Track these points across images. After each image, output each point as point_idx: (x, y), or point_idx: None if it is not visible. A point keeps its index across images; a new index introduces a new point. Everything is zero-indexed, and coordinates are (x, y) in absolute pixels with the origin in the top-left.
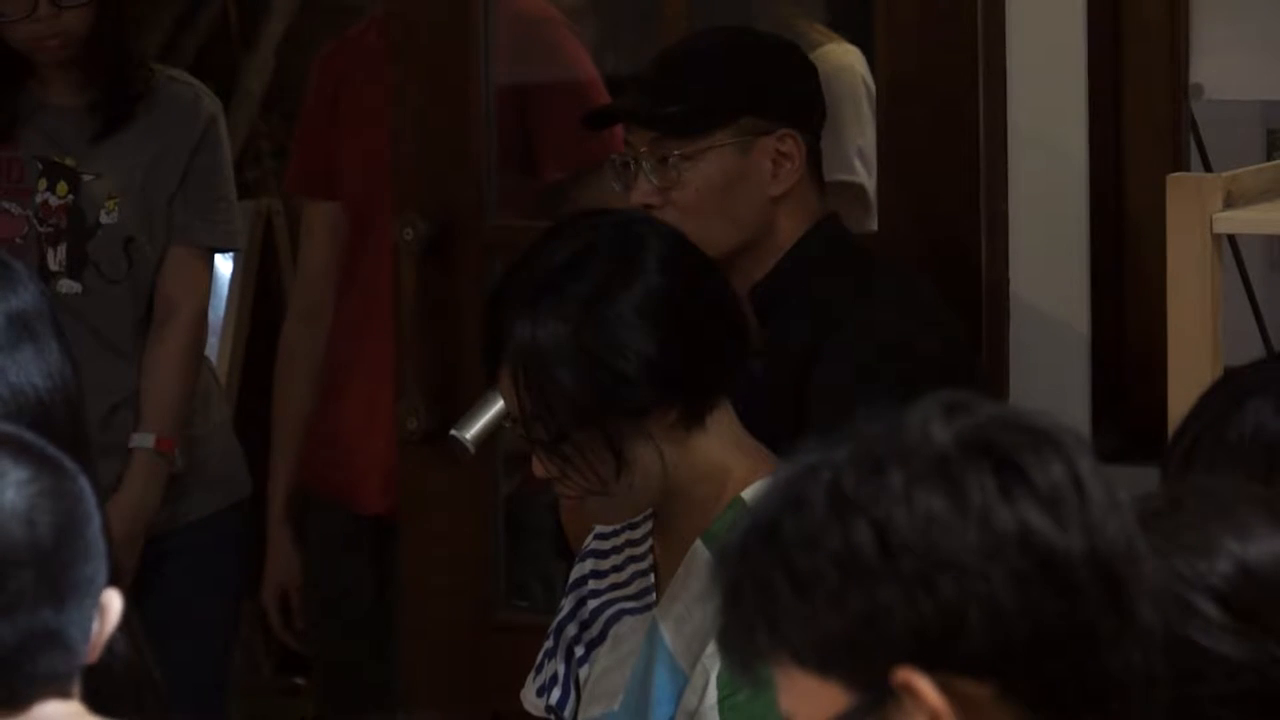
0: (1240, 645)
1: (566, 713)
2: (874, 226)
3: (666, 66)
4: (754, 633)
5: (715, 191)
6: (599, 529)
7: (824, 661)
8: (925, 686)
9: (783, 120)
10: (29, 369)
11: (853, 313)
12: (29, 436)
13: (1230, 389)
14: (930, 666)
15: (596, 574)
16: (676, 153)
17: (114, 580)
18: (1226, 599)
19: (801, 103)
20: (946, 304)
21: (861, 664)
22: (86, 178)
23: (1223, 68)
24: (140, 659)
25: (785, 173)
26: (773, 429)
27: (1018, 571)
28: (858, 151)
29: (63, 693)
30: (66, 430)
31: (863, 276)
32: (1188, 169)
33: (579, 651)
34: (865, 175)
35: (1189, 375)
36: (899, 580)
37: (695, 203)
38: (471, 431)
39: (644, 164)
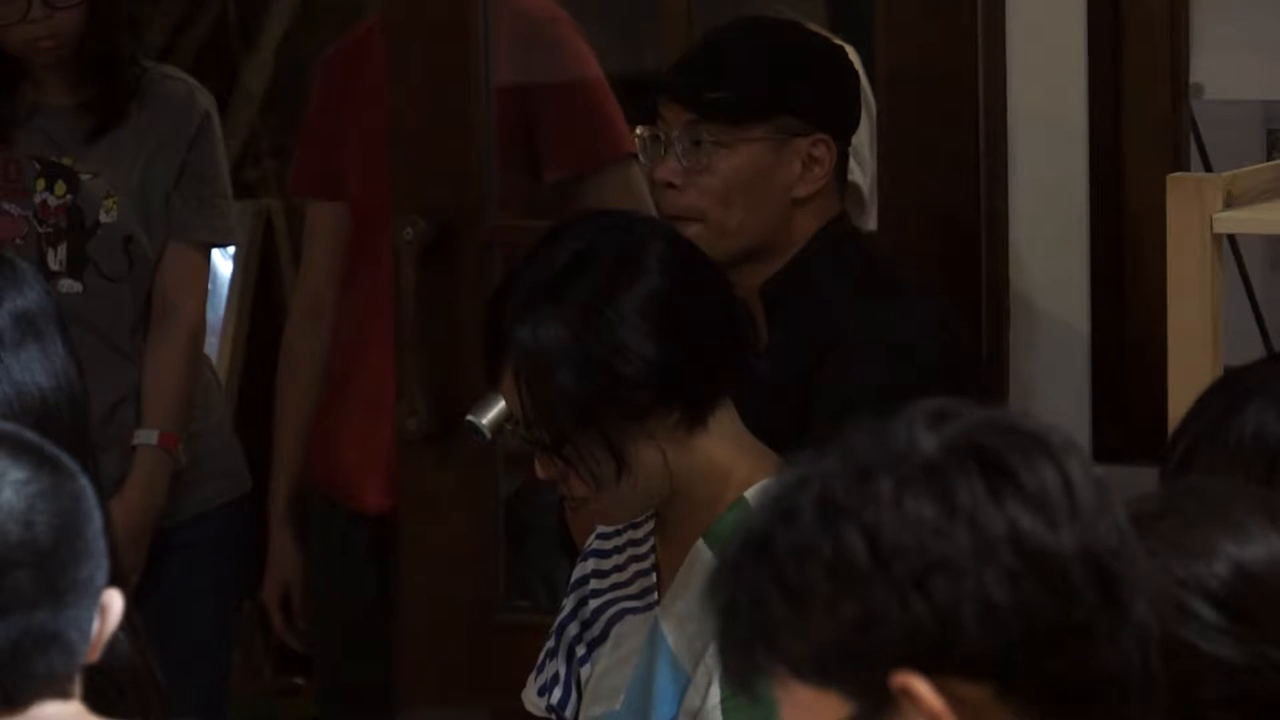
0: (1237, 648)
1: (568, 712)
2: (871, 225)
3: (713, 49)
4: (751, 648)
5: (742, 183)
6: (601, 529)
7: (822, 672)
8: (924, 689)
9: (819, 124)
10: (33, 368)
11: (857, 314)
12: (28, 435)
13: (1230, 390)
14: (927, 669)
15: (598, 573)
16: (711, 138)
17: (119, 579)
18: (1223, 602)
19: (840, 109)
20: (950, 304)
21: (859, 671)
22: (84, 177)
23: (1223, 68)
24: (142, 659)
25: (812, 177)
26: (777, 429)
27: (1010, 571)
28: (853, 149)
29: (62, 693)
30: (70, 430)
31: (868, 277)
32: (1188, 169)
33: (580, 651)
34: (860, 174)
35: (1189, 375)
36: (892, 584)
37: (720, 191)
38: (487, 417)
39: (675, 143)
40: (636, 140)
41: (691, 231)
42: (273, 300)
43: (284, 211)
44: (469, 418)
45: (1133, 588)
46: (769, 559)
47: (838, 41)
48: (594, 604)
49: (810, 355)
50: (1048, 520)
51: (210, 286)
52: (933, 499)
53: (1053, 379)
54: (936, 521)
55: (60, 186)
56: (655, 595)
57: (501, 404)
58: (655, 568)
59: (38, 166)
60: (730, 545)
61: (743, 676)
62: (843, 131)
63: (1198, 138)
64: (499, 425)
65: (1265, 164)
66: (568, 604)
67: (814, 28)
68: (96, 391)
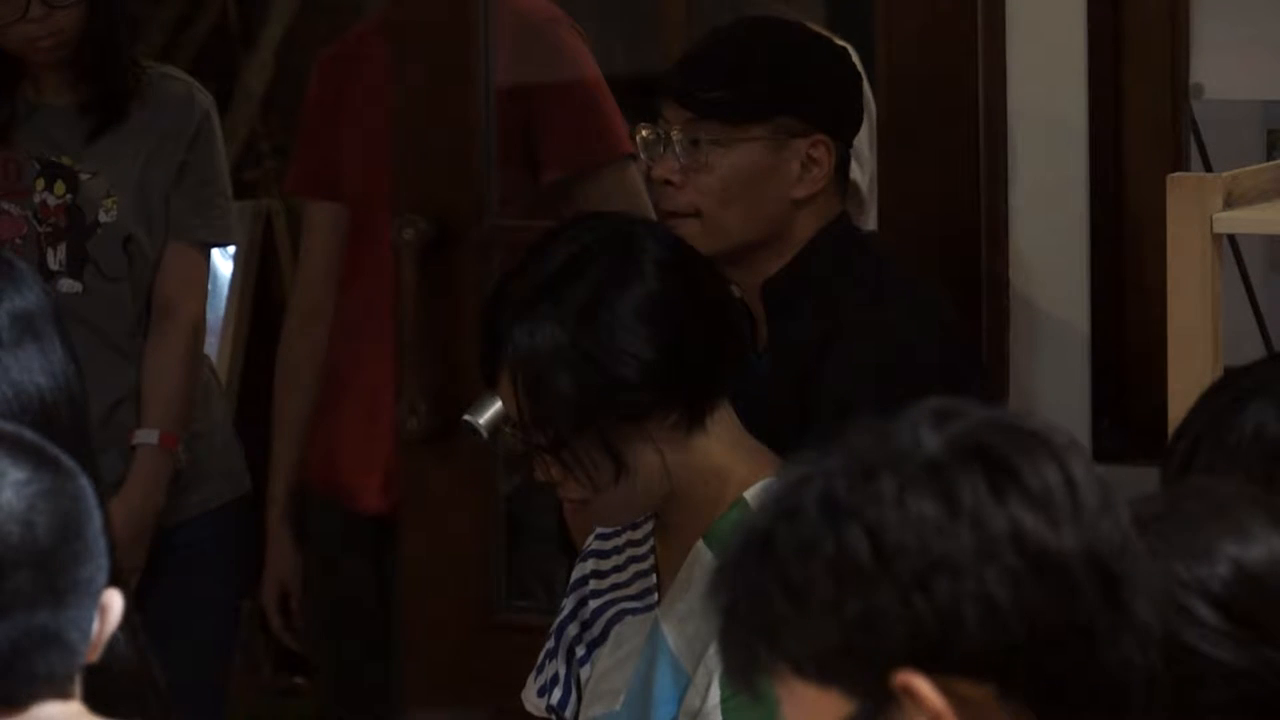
0: (1238, 650)
1: (568, 713)
2: (871, 225)
3: (714, 49)
4: (753, 646)
5: (739, 183)
6: (600, 529)
7: (823, 670)
8: (925, 688)
9: (819, 126)
10: (32, 368)
11: (857, 314)
12: (28, 435)
13: (1231, 390)
14: (929, 668)
15: (598, 574)
16: (709, 138)
17: (120, 579)
18: (1224, 604)
19: (841, 111)
20: (950, 304)
21: (860, 670)
22: (84, 177)
23: (1223, 68)
24: (142, 659)
25: (812, 178)
26: (777, 428)
27: (1012, 571)
28: (853, 149)
29: (62, 693)
30: (69, 430)
31: (869, 277)
32: (1188, 169)
33: (580, 652)
34: (860, 173)
35: (1189, 375)
36: (894, 583)
37: (717, 190)
38: (485, 417)
39: (674, 142)
40: (638, 139)
41: (686, 228)
42: (273, 300)
43: (284, 211)
44: (466, 417)
45: (1135, 588)
46: (772, 557)
47: (840, 43)
48: (594, 604)
49: (810, 355)
50: (1050, 520)
51: (210, 286)
52: (936, 498)
53: (1053, 379)
54: (939, 521)
55: (60, 186)
56: (655, 596)
57: (499, 404)
58: (655, 568)
59: (37, 166)
60: (733, 543)
61: (745, 674)
62: (843, 132)
63: (1198, 138)
64: (496, 425)
65: (1265, 164)
66: (567, 604)
67: (815, 28)
68: (96, 392)
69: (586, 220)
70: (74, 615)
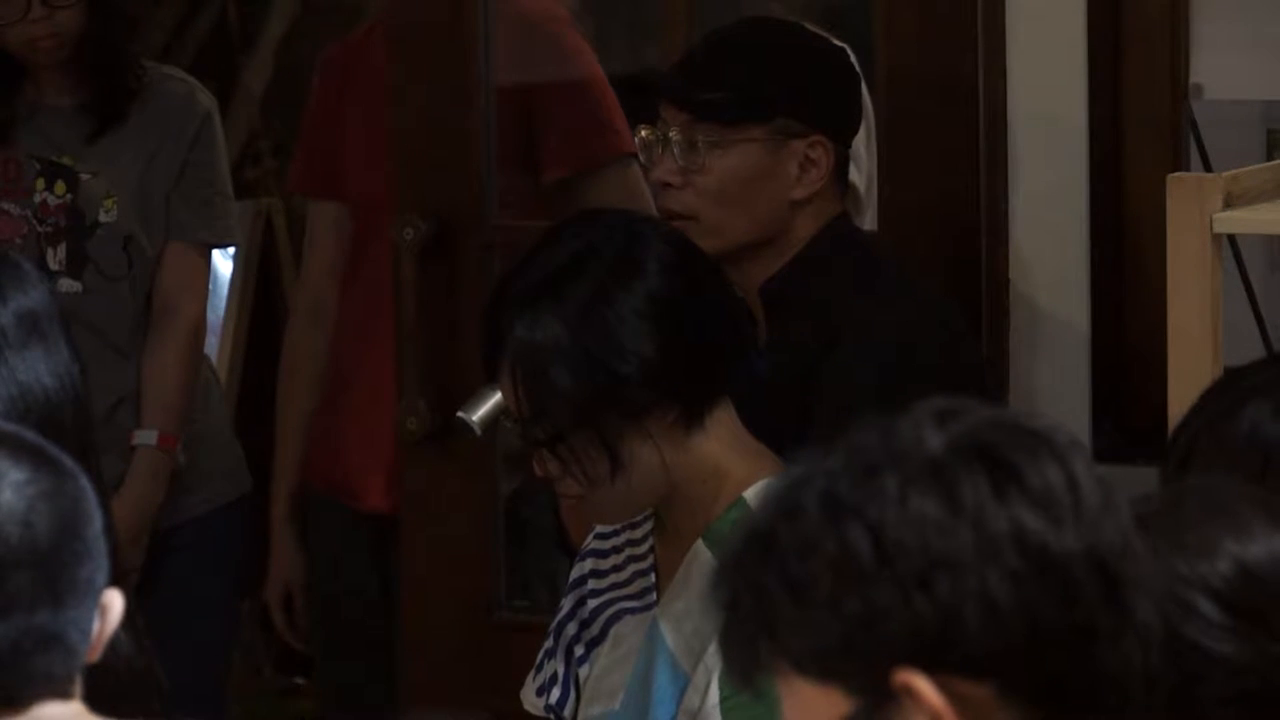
0: (1241, 646)
1: (566, 712)
2: (871, 226)
3: (713, 51)
4: (754, 643)
5: (738, 184)
6: (599, 528)
7: (823, 667)
8: (925, 687)
9: (817, 126)
10: (38, 368)
11: (857, 315)
12: (29, 436)
13: (1230, 390)
14: (929, 667)
15: (596, 573)
16: (707, 139)
17: (120, 579)
18: (1227, 599)
19: (839, 111)
20: (951, 305)
21: (860, 668)
22: (84, 176)
23: (1223, 68)
24: (144, 659)
25: (810, 178)
26: (777, 428)
27: (1013, 570)
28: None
29: (62, 693)
30: (73, 430)
31: (868, 278)
32: (1188, 169)
33: (579, 651)
34: (857, 174)
35: (1189, 375)
36: (895, 581)
37: (716, 191)
38: (478, 414)
39: (673, 143)
40: (637, 141)
41: (685, 229)
42: (273, 300)
43: (284, 211)
44: (460, 413)
45: (1136, 588)
46: (773, 554)
47: (838, 43)
48: (592, 604)
49: (810, 355)
50: (1052, 519)
51: (210, 286)
52: (937, 497)
53: (1053, 379)
54: (941, 520)
55: (60, 186)
56: (654, 595)
57: (494, 400)
58: (654, 568)
59: (38, 166)
60: (735, 540)
61: (745, 672)
62: (841, 133)
63: (1198, 138)
64: (490, 421)
65: (1265, 164)
66: (566, 604)
67: (814, 29)
68: (95, 392)
69: (590, 217)
70: (74, 615)
